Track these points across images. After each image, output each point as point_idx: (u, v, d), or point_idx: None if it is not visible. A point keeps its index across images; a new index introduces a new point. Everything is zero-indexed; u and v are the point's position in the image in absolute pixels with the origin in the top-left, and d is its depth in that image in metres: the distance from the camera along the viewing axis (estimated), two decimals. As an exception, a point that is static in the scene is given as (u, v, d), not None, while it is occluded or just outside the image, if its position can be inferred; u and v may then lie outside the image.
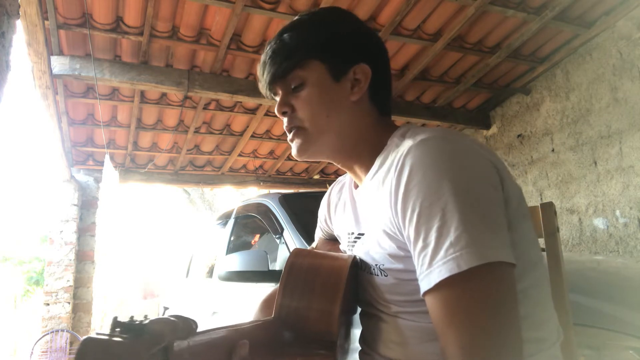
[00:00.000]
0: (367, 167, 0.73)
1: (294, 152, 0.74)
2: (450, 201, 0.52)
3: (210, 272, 2.77)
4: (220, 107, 4.32)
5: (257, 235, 2.65)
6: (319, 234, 1.02)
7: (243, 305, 2.07)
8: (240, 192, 9.09)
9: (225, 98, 3.78)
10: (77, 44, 3.15)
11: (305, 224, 2.03)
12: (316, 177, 6.24)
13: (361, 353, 0.74)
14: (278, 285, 0.68)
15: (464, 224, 0.51)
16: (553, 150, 4.15)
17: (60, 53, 3.16)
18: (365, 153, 0.73)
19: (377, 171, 0.68)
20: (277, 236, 2.10)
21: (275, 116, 4.19)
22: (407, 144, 0.60)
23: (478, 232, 0.51)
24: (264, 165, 5.81)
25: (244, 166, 5.78)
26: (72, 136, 4.42)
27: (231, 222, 2.77)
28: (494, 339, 0.50)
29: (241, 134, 4.80)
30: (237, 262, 1.85)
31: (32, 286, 12.51)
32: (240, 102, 4.19)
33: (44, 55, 2.46)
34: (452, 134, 0.60)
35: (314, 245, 1.04)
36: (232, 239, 2.70)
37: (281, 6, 3.06)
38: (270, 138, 5.04)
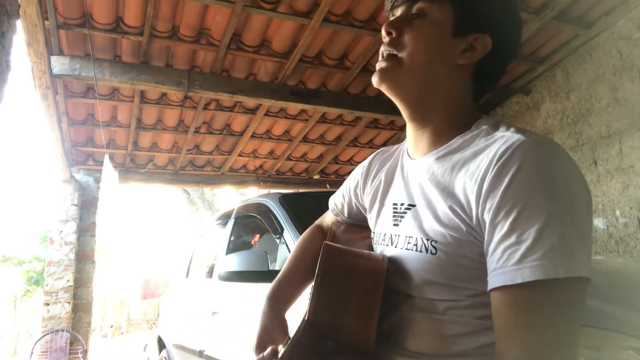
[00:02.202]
0: (437, 139, 0.69)
1: (375, 77, 0.69)
2: (559, 209, 0.52)
3: (210, 272, 2.77)
4: (220, 107, 4.32)
5: (257, 235, 2.65)
6: (336, 202, 0.95)
7: (243, 305, 2.07)
8: (240, 192, 9.09)
9: (225, 98, 3.78)
10: (77, 44, 3.15)
11: (305, 224, 2.02)
12: (316, 177, 6.24)
13: (378, 345, 0.70)
14: (313, 283, 0.65)
15: (567, 234, 0.51)
16: (553, 150, 4.15)
17: (60, 53, 3.16)
18: (442, 124, 0.69)
19: (453, 150, 0.66)
20: (277, 236, 2.10)
21: (275, 116, 4.17)
22: (514, 137, 0.58)
23: (577, 246, 0.52)
24: (264, 165, 5.81)
25: (244, 166, 5.78)
26: (72, 136, 4.42)
27: (231, 222, 2.77)
28: (560, 351, 0.50)
29: (241, 134, 4.80)
30: (237, 262, 1.85)
31: (32, 286, 12.52)
32: (240, 102, 4.19)
33: (44, 55, 2.46)
34: (556, 143, 0.60)
35: (326, 222, 0.98)
36: (232, 239, 2.70)
37: (281, 6, 3.06)
38: (270, 138, 5.04)
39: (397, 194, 0.75)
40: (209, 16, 3.13)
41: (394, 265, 0.68)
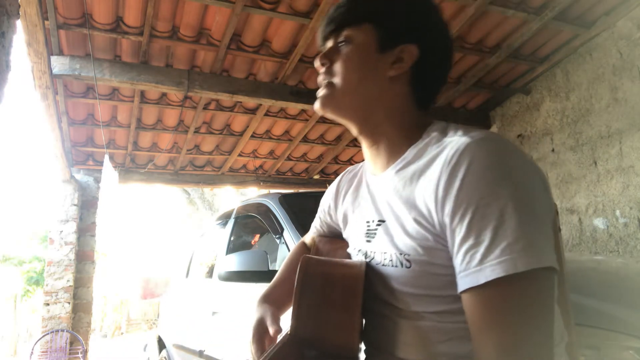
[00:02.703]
0: (393, 152, 0.71)
1: (316, 105, 0.74)
2: (510, 204, 0.52)
3: (210, 272, 2.77)
4: (220, 107, 4.32)
5: (257, 235, 2.65)
6: (316, 224, 0.99)
7: (243, 305, 2.07)
8: (240, 192, 9.08)
9: (225, 98, 3.78)
10: (77, 44, 3.15)
11: (305, 224, 2.03)
12: (316, 177, 6.24)
13: (368, 354, 0.72)
14: (293, 295, 0.66)
15: (522, 227, 0.51)
16: (553, 150, 4.15)
17: (60, 53, 3.16)
18: (393, 137, 0.71)
19: (409, 162, 0.67)
20: (277, 236, 2.10)
21: (275, 116, 4.16)
22: (460, 140, 0.59)
23: (534, 237, 0.52)
24: (264, 165, 5.81)
25: (244, 166, 5.78)
26: (72, 136, 4.42)
27: (231, 222, 2.77)
28: (535, 345, 0.50)
29: (241, 134, 4.80)
30: (237, 262, 1.85)
31: (32, 286, 12.52)
32: (240, 102, 4.19)
33: (44, 55, 2.46)
34: (503, 137, 0.61)
35: (308, 240, 1.00)
36: (232, 239, 2.70)
37: (281, 6, 3.06)
38: (270, 138, 5.04)
39: (366, 212, 0.77)
40: (209, 16, 3.13)
41: (377, 278, 0.69)
